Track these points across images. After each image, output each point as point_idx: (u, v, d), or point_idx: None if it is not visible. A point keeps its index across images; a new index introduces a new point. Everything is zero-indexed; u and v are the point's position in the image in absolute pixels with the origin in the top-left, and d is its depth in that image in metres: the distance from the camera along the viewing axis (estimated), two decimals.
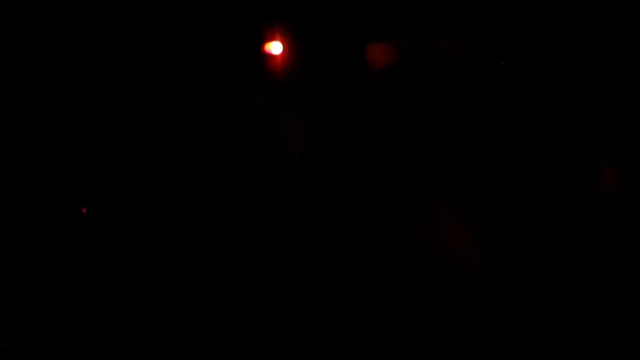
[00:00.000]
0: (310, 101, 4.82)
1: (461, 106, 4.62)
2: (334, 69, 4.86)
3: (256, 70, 4.82)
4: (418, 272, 3.98)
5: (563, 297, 3.95)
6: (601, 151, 4.31)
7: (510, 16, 4.73)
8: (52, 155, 4.24)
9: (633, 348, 3.77)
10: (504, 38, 4.74)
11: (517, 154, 4.43)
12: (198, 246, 4.21)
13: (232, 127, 4.64)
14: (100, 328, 3.90)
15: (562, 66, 4.59)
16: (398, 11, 4.86)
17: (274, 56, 4.91)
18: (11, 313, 3.84)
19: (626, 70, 4.47)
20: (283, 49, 4.91)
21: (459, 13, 4.77)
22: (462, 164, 4.43)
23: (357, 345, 3.78)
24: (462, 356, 3.77)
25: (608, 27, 4.57)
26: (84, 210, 4.18)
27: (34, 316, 3.87)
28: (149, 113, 4.50)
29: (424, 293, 3.92)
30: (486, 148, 4.49)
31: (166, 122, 4.53)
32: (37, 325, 3.86)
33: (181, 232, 4.26)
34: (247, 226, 4.27)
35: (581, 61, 4.56)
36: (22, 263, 3.99)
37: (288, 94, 4.84)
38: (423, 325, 3.86)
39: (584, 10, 4.62)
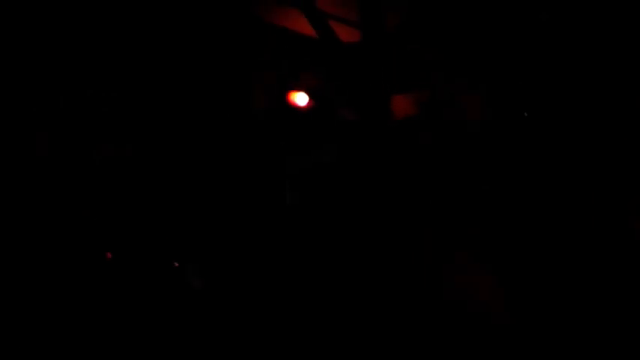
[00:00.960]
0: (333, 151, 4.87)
1: (485, 154, 4.68)
2: (359, 119, 4.91)
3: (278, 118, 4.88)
4: (446, 317, 4.10)
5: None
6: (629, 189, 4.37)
7: (527, 63, 4.78)
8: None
9: None
10: (523, 87, 4.80)
11: (542, 199, 4.49)
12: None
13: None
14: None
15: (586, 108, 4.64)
16: (421, 63, 4.92)
17: (299, 107, 5.01)
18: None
19: None
20: (309, 101, 5.01)
21: (479, 64, 4.82)
22: (487, 210, 4.50)
23: None
24: None
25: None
26: (109, 255, 4.27)
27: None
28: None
29: (452, 336, 4.04)
30: (512, 194, 4.55)
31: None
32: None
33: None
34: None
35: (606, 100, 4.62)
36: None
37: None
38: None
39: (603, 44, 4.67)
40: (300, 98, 5.03)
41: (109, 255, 4.23)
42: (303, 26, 4.88)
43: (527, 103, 4.72)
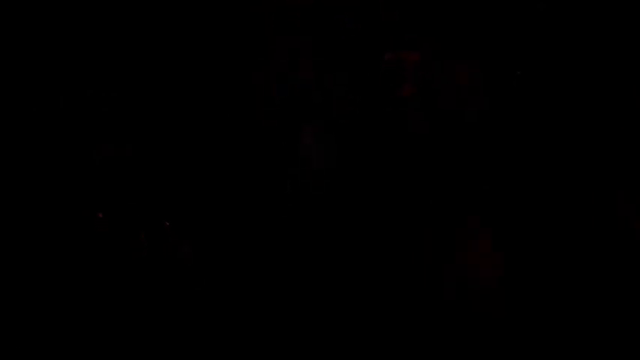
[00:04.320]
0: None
1: (484, 146, 4.71)
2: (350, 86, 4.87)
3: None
4: (447, 295, 4.26)
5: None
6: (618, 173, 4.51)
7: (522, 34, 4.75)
8: (55, 155, 4.29)
9: None
10: (517, 55, 4.77)
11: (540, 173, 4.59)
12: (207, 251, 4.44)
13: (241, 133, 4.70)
14: (102, 329, 4.10)
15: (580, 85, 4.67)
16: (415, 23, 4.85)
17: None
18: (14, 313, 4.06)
19: None
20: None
21: (471, 30, 4.77)
22: (487, 205, 4.59)
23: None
24: None
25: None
26: (100, 215, 4.32)
27: (36, 318, 4.07)
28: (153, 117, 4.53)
29: (452, 314, 4.23)
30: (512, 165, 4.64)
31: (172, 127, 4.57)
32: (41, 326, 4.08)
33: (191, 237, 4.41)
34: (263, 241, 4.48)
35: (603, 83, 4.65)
36: (26, 262, 4.14)
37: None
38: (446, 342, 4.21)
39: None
40: None
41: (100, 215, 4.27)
42: None
43: (526, 93, 4.71)
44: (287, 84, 4.65)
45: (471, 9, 4.68)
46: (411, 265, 4.38)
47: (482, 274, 4.35)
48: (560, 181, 4.54)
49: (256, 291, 4.26)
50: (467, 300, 4.30)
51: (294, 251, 4.38)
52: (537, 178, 4.56)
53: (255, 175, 4.48)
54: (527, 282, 4.35)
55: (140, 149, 4.24)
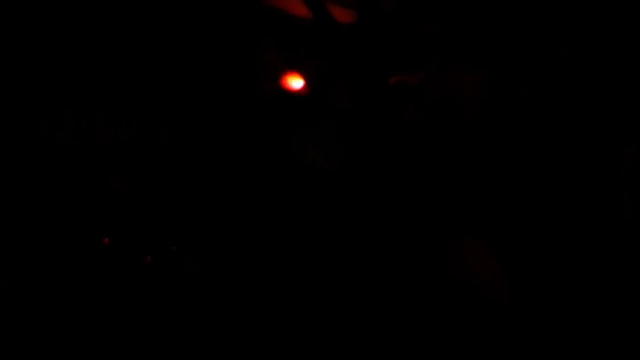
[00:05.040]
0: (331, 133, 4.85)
1: (482, 137, 4.66)
2: (356, 102, 4.87)
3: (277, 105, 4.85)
4: (448, 301, 4.17)
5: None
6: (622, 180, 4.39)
7: (531, 50, 4.71)
8: (72, 182, 4.33)
9: None
10: (525, 71, 4.74)
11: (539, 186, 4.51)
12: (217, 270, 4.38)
13: (253, 156, 4.71)
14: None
15: (584, 99, 4.61)
16: (418, 43, 4.85)
17: (294, 90, 4.94)
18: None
19: None
20: (303, 84, 4.94)
21: (479, 46, 4.76)
22: (487, 197, 4.52)
23: None
24: None
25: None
26: (105, 240, 4.32)
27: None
28: (168, 141, 4.59)
29: (454, 319, 4.12)
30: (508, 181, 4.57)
31: (186, 151, 4.61)
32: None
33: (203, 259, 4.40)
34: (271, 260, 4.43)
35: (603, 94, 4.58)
36: (37, 293, 4.10)
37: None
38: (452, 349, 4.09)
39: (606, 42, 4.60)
40: (295, 82, 4.96)
41: (106, 240, 4.28)
42: (298, 8, 4.82)
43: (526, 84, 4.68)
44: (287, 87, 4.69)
45: (476, 25, 4.69)
46: (409, 272, 4.31)
47: (481, 283, 4.28)
48: (564, 191, 4.48)
49: (258, 294, 4.19)
50: (466, 307, 4.21)
51: (296, 257, 4.32)
52: (540, 191, 4.50)
53: (256, 182, 4.46)
54: (527, 290, 4.26)
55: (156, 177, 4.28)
